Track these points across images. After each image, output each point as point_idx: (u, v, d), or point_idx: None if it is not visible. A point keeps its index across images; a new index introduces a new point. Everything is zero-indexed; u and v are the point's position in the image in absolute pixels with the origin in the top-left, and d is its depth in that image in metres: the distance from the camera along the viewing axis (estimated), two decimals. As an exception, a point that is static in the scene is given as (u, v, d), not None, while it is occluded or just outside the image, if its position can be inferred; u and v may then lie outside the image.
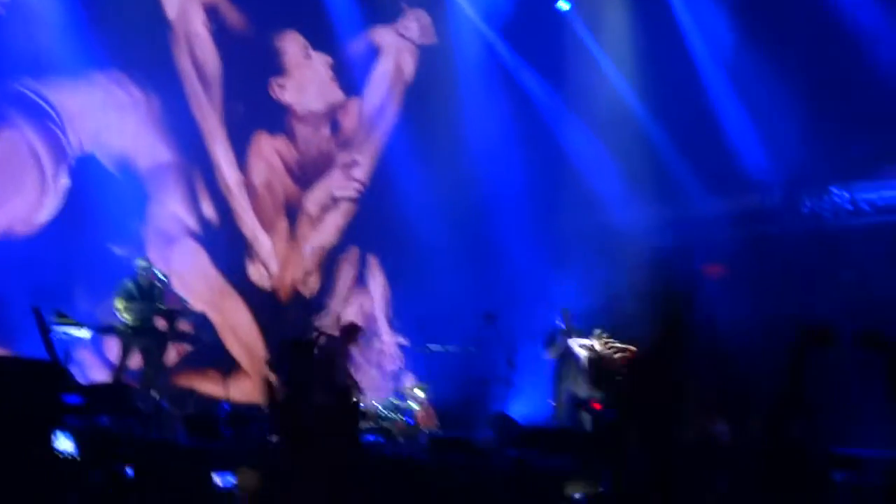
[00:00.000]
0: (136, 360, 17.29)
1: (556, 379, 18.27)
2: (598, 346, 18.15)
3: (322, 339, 16.99)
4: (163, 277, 17.68)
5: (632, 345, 18.84)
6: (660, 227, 21.86)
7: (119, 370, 16.56)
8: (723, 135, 21.61)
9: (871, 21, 19.86)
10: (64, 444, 10.73)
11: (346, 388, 14.92)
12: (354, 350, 18.50)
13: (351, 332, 17.95)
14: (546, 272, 21.67)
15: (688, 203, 22.19)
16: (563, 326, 18.51)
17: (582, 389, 18.04)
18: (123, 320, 16.63)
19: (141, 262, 17.35)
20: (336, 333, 18.01)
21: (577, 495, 10.48)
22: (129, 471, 8.50)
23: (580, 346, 18.16)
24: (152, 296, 16.88)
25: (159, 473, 7.37)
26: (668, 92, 22.12)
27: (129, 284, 16.83)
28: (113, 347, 17.17)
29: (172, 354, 17.92)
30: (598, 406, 17.27)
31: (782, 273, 19.69)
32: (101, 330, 16.59)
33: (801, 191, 21.02)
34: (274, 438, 12.71)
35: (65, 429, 11.03)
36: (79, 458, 10.16)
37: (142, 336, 16.88)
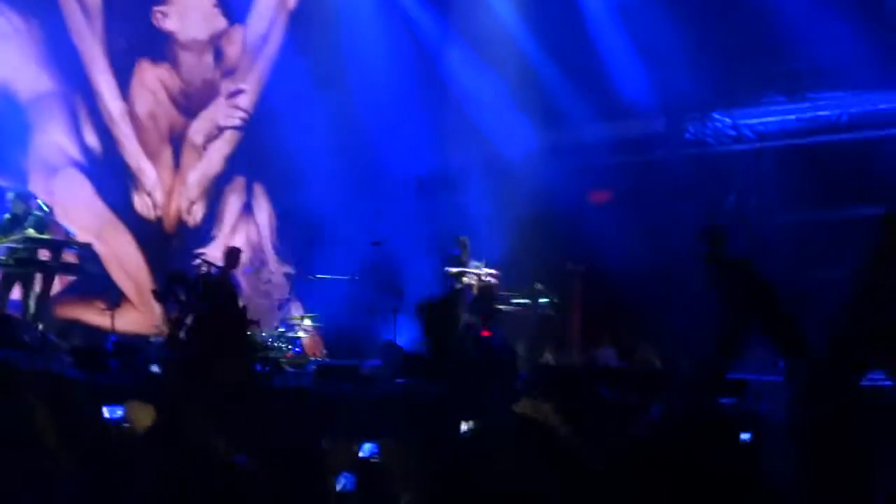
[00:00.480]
0: (17, 292, 17.17)
1: None
2: (481, 276, 18.52)
3: (206, 268, 17.00)
4: (46, 208, 17.51)
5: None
6: (547, 154, 22.02)
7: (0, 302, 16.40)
8: (607, 61, 21.76)
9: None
10: None
11: (235, 316, 14.94)
12: (239, 275, 18.56)
13: (232, 257, 18.00)
14: (433, 201, 21.79)
15: (574, 130, 22.36)
16: (458, 252, 18.81)
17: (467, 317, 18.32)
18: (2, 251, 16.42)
19: (9, 195, 17.06)
20: (220, 265, 18.03)
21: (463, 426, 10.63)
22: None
23: (471, 275, 18.53)
24: (30, 226, 16.61)
25: (50, 406, 7.35)
26: (553, 17, 22.23)
27: (6, 216, 16.59)
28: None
29: (57, 286, 17.74)
30: (485, 333, 17.49)
31: (667, 198, 19.95)
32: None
33: (684, 117, 21.28)
34: (156, 368, 12.76)
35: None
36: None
37: (24, 266, 16.72)
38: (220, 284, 16.65)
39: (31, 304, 16.47)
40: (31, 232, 16.43)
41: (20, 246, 16.27)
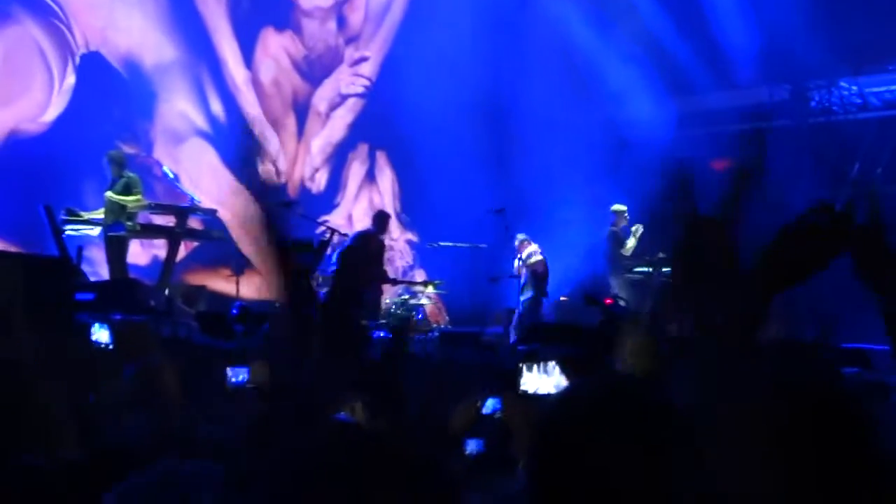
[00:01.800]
0: (145, 258, 17.38)
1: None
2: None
3: (334, 237, 17.09)
4: (171, 174, 17.71)
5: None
6: (670, 123, 21.87)
7: (124, 267, 16.59)
8: (729, 28, 21.55)
9: None
10: (100, 335, 10.84)
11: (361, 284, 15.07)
12: (386, 238, 18.63)
13: (383, 220, 18.04)
14: (558, 170, 21.70)
15: (698, 98, 22.19)
16: (615, 222, 18.93)
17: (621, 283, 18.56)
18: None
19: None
20: (346, 231, 18.18)
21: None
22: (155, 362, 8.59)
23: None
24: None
25: (178, 369, 7.43)
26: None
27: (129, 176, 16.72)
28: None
29: (182, 252, 17.94)
30: (608, 301, 17.43)
31: (791, 167, 19.72)
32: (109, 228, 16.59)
33: (809, 85, 21.02)
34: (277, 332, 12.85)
35: (103, 321, 11.14)
36: (113, 350, 10.27)
37: (149, 232, 16.95)
38: (357, 249, 16.75)
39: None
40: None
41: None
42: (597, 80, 22.53)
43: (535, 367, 10.62)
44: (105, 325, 11.26)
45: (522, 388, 11.53)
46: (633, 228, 19.13)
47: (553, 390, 9.90)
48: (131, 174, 16.62)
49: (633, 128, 21.71)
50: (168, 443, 5.16)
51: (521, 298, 17.95)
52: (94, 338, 10.08)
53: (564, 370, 9.99)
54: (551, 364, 9.41)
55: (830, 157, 19.71)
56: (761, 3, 20.65)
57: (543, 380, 11.03)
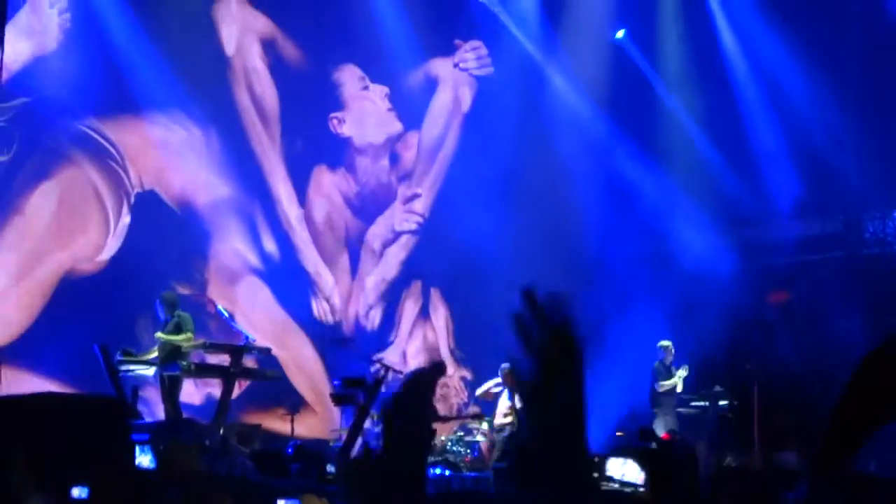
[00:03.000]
0: (199, 397, 17.42)
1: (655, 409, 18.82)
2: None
3: (387, 374, 17.08)
4: (226, 313, 17.81)
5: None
6: (726, 254, 21.85)
7: (178, 407, 16.62)
8: (784, 160, 21.65)
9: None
10: (142, 459, 10.89)
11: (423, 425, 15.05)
12: (439, 387, 18.64)
13: (440, 369, 18.04)
14: (611, 306, 21.67)
15: (753, 230, 22.19)
16: (663, 357, 18.94)
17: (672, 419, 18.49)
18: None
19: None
20: (400, 369, 18.19)
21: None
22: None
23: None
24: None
25: (232, 497, 7.45)
26: (721, 112, 22.32)
27: (181, 316, 16.84)
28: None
29: (237, 390, 17.96)
30: (665, 437, 17.32)
31: (845, 298, 19.65)
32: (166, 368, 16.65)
33: (863, 216, 20.99)
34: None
35: (144, 444, 11.21)
36: (157, 473, 10.31)
37: (204, 372, 16.99)
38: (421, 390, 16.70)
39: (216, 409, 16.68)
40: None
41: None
42: (651, 211, 22.61)
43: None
44: (147, 449, 11.31)
45: (608, 472, 11.59)
46: (680, 372, 19.09)
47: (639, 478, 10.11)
48: (183, 313, 16.73)
49: (690, 261, 21.71)
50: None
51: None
52: (137, 461, 10.13)
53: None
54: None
55: (886, 288, 19.63)
56: (816, 132, 20.75)
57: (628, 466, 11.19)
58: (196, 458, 7.64)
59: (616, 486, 11.63)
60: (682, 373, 19.06)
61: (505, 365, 18.04)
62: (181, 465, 7.23)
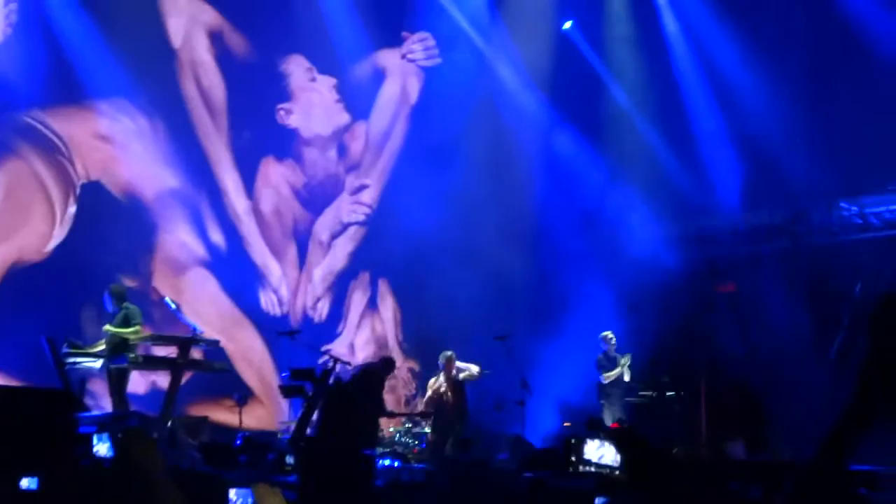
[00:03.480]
0: (143, 386, 17.38)
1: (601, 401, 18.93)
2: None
3: (337, 366, 17.11)
4: (173, 304, 17.76)
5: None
6: (671, 246, 21.99)
7: (125, 399, 16.58)
8: (730, 151, 21.79)
9: (879, 29, 20.03)
10: (100, 447, 10.90)
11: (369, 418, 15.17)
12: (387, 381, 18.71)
13: (390, 367, 18.14)
14: (560, 297, 21.78)
15: (699, 221, 22.34)
16: (606, 348, 19.03)
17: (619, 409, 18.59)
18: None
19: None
20: (349, 360, 18.26)
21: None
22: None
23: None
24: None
25: (182, 489, 7.49)
26: (672, 110, 22.47)
27: (129, 308, 16.80)
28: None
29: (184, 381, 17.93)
30: (614, 426, 17.41)
31: (792, 288, 19.80)
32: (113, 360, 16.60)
33: (809, 206, 21.13)
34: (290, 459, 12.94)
35: (102, 432, 11.22)
36: (115, 461, 10.31)
37: (152, 364, 16.96)
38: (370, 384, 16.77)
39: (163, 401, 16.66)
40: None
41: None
42: (597, 203, 22.73)
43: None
44: (105, 437, 11.29)
45: (585, 456, 11.70)
46: (622, 360, 19.20)
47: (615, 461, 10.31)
48: (131, 306, 16.69)
49: (637, 251, 21.83)
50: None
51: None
52: (94, 450, 10.12)
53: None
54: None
55: (831, 278, 19.78)
56: (765, 124, 20.88)
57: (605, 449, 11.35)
58: (154, 447, 7.65)
59: (592, 468, 11.75)
60: (625, 360, 19.17)
61: (445, 353, 18.15)
62: (140, 453, 7.24)
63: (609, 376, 19.11)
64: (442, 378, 18.07)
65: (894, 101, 19.15)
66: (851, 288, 19.49)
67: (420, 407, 18.78)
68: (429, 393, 18.25)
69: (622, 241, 22.17)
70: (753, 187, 21.44)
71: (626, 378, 19.23)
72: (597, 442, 11.94)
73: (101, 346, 16.40)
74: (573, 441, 11.87)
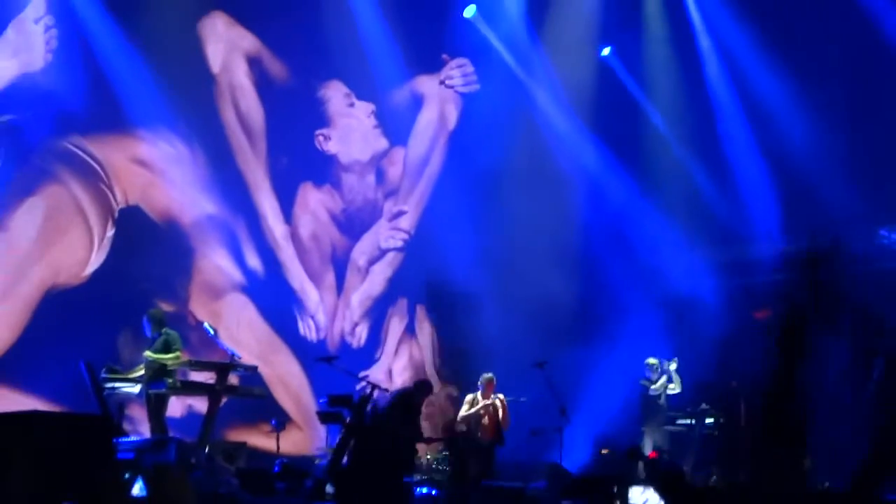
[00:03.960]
0: (180, 410, 17.40)
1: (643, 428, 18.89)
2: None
3: (375, 392, 17.08)
4: (211, 330, 17.78)
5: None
6: (711, 273, 21.96)
7: (164, 424, 16.61)
8: (769, 178, 21.79)
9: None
10: (136, 488, 10.93)
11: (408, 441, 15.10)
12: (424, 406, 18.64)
13: (426, 390, 18.04)
14: (599, 324, 21.74)
15: (738, 249, 22.31)
16: (650, 376, 19.02)
17: (659, 437, 18.51)
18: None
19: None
20: (387, 386, 18.25)
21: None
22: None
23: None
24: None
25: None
26: (709, 138, 22.51)
27: (168, 334, 16.86)
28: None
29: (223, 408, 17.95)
30: (653, 455, 17.36)
31: (827, 316, 19.66)
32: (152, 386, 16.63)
33: (849, 234, 21.06)
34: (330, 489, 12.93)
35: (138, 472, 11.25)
36: (150, 500, 10.36)
37: (190, 390, 16.98)
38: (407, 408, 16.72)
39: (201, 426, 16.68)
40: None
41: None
42: (635, 229, 22.72)
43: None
44: (139, 477, 11.31)
45: (631, 501, 11.78)
46: (670, 366, 19.11)
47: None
48: (170, 331, 16.78)
49: (676, 279, 21.80)
50: None
51: None
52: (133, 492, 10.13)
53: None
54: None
55: (873, 305, 19.69)
56: (803, 152, 20.85)
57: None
58: (185, 483, 7.66)
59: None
60: (672, 366, 19.09)
61: (486, 375, 18.06)
62: (171, 489, 7.26)
63: (656, 387, 19.05)
64: (479, 397, 17.99)
65: None
66: (890, 316, 19.43)
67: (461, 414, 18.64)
68: (465, 408, 18.13)
69: (661, 268, 22.13)
70: (792, 214, 21.40)
71: (675, 385, 19.12)
72: (640, 488, 11.93)
73: (141, 372, 16.46)
74: (617, 487, 11.88)
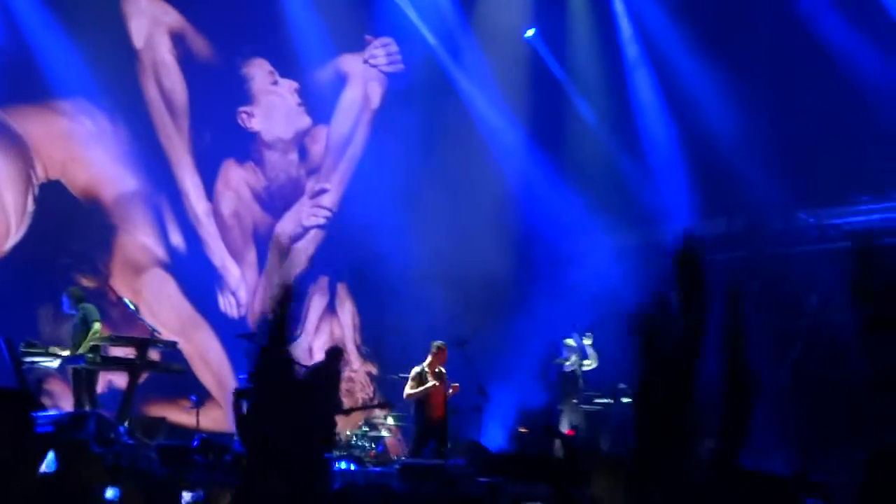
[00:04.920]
0: (100, 386, 17.34)
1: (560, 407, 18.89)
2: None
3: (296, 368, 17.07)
4: (132, 306, 17.76)
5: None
6: (626, 253, 22.10)
7: (86, 399, 16.57)
8: (688, 160, 21.95)
9: (841, 44, 20.22)
10: (48, 461, 10.86)
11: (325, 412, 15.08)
12: (343, 374, 18.66)
13: (338, 354, 18.06)
14: (515, 304, 21.86)
15: (653, 230, 22.42)
16: (567, 357, 18.99)
17: (576, 415, 18.56)
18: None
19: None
20: (310, 362, 18.30)
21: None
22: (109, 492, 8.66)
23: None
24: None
25: (134, 496, 7.51)
26: (630, 120, 22.66)
27: (87, 309, 16.85)
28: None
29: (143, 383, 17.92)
30: (571, 433, 17.50)
31: (749, 296, 19.85)
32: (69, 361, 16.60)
33: (768, 216, 21.27)
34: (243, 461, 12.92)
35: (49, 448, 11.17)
36: (59, 476, 10.28)
37: (110, 364, 16.94)
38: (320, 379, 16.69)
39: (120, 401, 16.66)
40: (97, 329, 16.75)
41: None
42: (554, 210, 22.84)
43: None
44: (50, 451, 11.25)
45: None
46: (585, 341, 19.10)
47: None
48: (87, 305, 16.78)
49: (595, 259, 21.93)
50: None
51: None
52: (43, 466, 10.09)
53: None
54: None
55: (788, 288, 19.94)
56: (724, 136, 21.02)
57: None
58: (98, 462, 7.65)
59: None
60: (587, 341, 19.06)
61: (437, 342, 18.02)
62: (81, 469, 7.25)
63: (570, 363, 19.07)
64: (427, 369, 17.96)
65: (854, 116, 19.35)
66: (808, 298, 19.69)
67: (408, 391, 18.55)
68: (412, 384, 17.99)
69: (581, 251, 22.26)
70: (712, 196, 21.58)
71: (591, 361, 19.11)
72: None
73: (67, 352, 16.44)
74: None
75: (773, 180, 20.18)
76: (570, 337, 19.32)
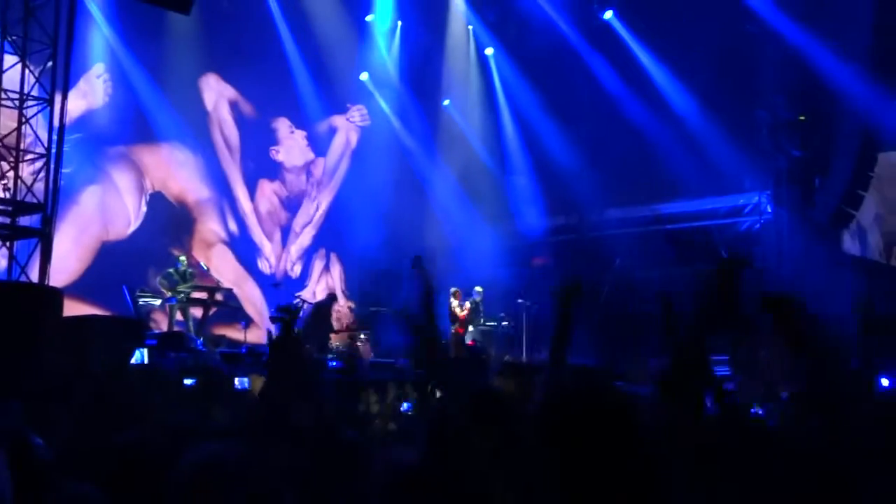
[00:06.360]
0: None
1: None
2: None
3: (303, 305, 17.24)
4: (206, 267, 17.87)
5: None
6: (500, 237, 22.05)
7: (175, 324, 16.65)
8: (536, 175, 21.96)
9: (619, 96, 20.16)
10: (138, 356, 11.01)
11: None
12: (334, 308, 18.86)
13: (332, 297, 18.28)
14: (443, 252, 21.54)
15: (521, 220, 22.49)
16: (475, 298, 18.48)
17: (477, 333, 18.27)
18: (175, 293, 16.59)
19: (181, 258, 17.36)
20: (314, 300, 18.46)
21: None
22: (188, 381, 8.86)
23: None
24: (186, 278, 16.81)
25: (205, 382, 7.75)
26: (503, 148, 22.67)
27: (171, 271, 16.85)
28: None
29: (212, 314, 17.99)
30: (471, 343, 17.38)
31: (579, 263, 19.95)
32: (167, 300, 16.69)
33: (587, 211, 21.30)
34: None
35: (142, 347, 11.30)
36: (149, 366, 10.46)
37: (192, 302, 17.07)
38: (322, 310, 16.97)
39: (197, 326, 16.76)
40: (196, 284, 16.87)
41: (186, 290, 16.65)
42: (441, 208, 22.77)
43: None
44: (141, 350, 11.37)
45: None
46: (476, 289, 18.43)
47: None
48: (189, 269, 16.85)
49: (479, 243, 21.76)
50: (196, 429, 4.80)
51: None
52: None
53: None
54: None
55: (602, 257, 20.01)
56: (558, 161, 21.05)
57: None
58: (224, 381, 7.91)
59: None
60: (477, 289, 18.49)
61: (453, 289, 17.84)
62: (213, 385, 7.51)
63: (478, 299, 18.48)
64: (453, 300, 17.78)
65: (639, 141, 19.24)
66: (612, 261, 19.85)
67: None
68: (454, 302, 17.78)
69: (470, 238, 22.11)
70: (554, 199, 21.60)
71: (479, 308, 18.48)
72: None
73: (170, 294, 16.47)
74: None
75: (593, 187, 20.27)
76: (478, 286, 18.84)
